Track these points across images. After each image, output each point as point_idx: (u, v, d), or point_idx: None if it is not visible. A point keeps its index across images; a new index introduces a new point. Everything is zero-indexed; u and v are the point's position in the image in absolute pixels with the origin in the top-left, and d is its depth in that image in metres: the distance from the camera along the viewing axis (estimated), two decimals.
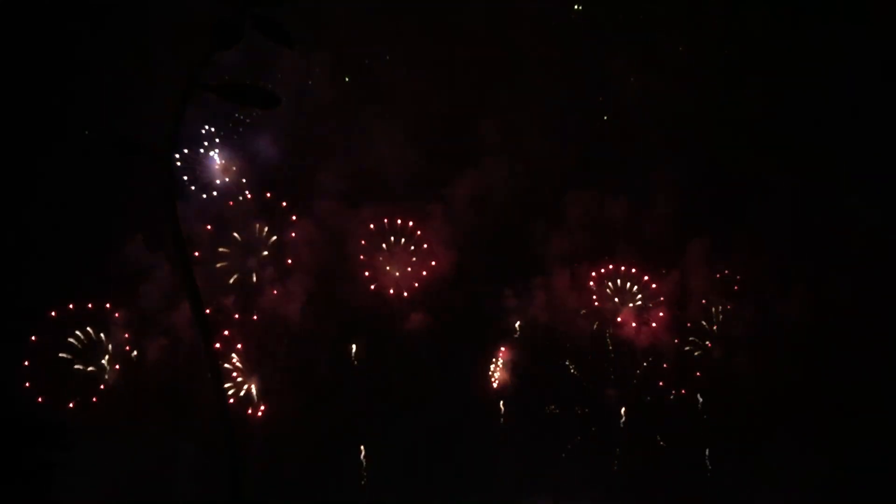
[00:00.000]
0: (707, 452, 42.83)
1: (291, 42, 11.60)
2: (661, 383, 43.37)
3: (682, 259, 44.49)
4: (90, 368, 38.23)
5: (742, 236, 44.13)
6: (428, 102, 42.85)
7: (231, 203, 40.96)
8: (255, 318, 40.16)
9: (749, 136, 43.65)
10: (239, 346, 39.38)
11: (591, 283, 43.84)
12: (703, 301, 43.68)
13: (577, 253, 44.05)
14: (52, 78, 34.93)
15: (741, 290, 43.90)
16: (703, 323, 43.63)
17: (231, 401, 37.66)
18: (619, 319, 43.68)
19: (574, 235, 43.76)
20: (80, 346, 38.26)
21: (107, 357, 38.48)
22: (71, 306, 38.20)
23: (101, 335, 38.93)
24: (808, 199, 43.22)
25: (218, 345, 37.76)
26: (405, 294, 41.99)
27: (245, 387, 39.36)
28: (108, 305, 38.94)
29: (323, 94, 42.12)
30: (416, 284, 42.42)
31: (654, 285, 44.19)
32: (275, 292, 40.61)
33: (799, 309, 42.63)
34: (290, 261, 41.22)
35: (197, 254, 39.24)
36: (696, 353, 43.36)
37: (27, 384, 31.37)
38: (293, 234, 42.00)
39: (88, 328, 38.60)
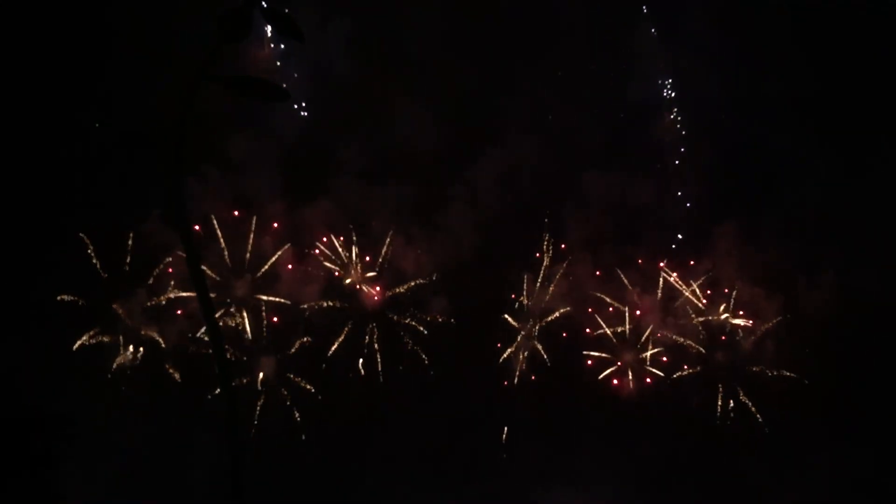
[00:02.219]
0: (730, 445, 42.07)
1: (302, 36, 11.45)
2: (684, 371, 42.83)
3: (710, 246, 43.45)
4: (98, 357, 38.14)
5: (771, 223, 42.89)
6: (451, 78, 41.59)
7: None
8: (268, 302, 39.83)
9: (784, 118, 42.50)
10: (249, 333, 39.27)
11: (616, 270, 43.11)
12: (730, 290, 43.00)
13: (601, 238, 42.89)
14: (63, 71, 34.86)
15: (769, 278, 42.85)
16: (728, 315, 43.09)
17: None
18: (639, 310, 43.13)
19: (598, 219, 42.96)
20: (88, 336, 38.17)
21: (119, 347, 38.37)
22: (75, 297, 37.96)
23: (111, 323, 38.74)
24: (841, 186, 41.93)
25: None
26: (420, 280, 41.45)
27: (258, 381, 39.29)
28: (117, 293, 38.73)
29: (342, 66, 41.06)
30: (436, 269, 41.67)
31: (680, 273, 43.31)
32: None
33: (828, 299, 41.60)
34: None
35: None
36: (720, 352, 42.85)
37: (32, 375, 31.32)
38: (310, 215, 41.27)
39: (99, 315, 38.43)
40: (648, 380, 42.20)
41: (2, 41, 32.89)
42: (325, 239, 40.88)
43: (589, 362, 42.24)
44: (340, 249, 40.99)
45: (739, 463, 41.55)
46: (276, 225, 40.46)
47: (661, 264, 43.11)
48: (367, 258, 41.15)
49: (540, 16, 42.83)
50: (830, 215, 42.34)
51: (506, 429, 41.80)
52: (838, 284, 41.68)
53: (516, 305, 42.29)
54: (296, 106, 41.72)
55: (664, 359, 42.52)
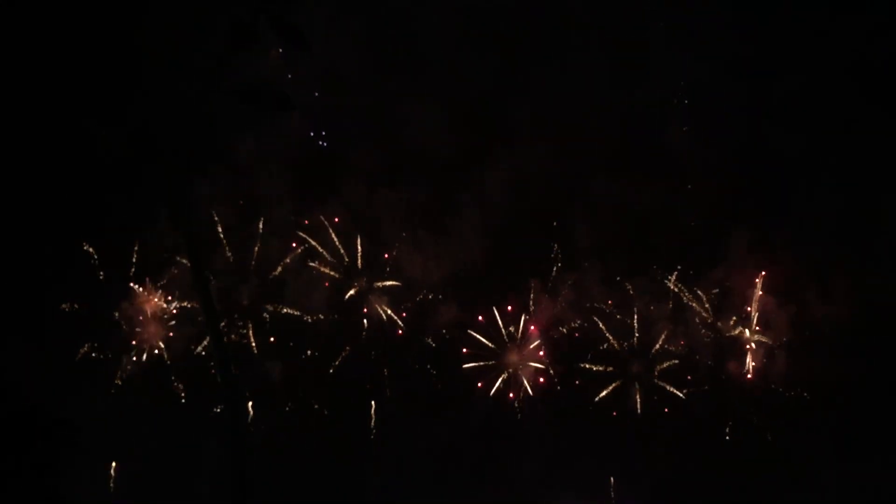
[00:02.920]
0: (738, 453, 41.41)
1: (307, 45, 11.46)
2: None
3: (721, 253, 42.54)
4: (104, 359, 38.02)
5: (783, 229, 41.86)
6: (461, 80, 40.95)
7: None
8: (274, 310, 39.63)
9: (795, 122, 41.74)
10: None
11: (622, 279, 42.50)
12: (741, 301, 42.58)
13: (609, 245, 42.05)
14: (69, 75, 34.89)
15: (782, 287, 41.99)
16: (740, 328, 42.64)
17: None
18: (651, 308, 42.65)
19: (606, 226, 42.36)
20: (91, 345, 38.10)
21: (124, 354, 38.28)
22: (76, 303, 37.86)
23: (117, 326, 38.59)
24: (855, 191, 41.23)
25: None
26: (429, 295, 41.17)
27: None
28: (123, 300, 38.63)
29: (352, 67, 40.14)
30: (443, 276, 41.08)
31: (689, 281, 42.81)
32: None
33: (841, 308, 40.70)
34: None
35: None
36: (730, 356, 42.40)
37: (38, 380, 31.31)
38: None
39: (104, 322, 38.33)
40: (655, 395, 41.86)
41: (9, 46, 33.02)
42: (331, 246, 40.76)
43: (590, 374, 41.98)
44: (346, 259, 40.88)
45: (747, 478, 41.18)
46: (283, 230, 40.35)
47: (672, 277, 42.71)
48: (374, 267, 41.01)
49: (550, 20, 42.63)
50: (847, 223, 41.78)
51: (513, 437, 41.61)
52: (855, 295, 41.01)
53: (523, 318, 42.03)
54: (312, 133, 41.67)
55: (678, 372, 42.17)
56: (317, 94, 40.91)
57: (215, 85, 10.84)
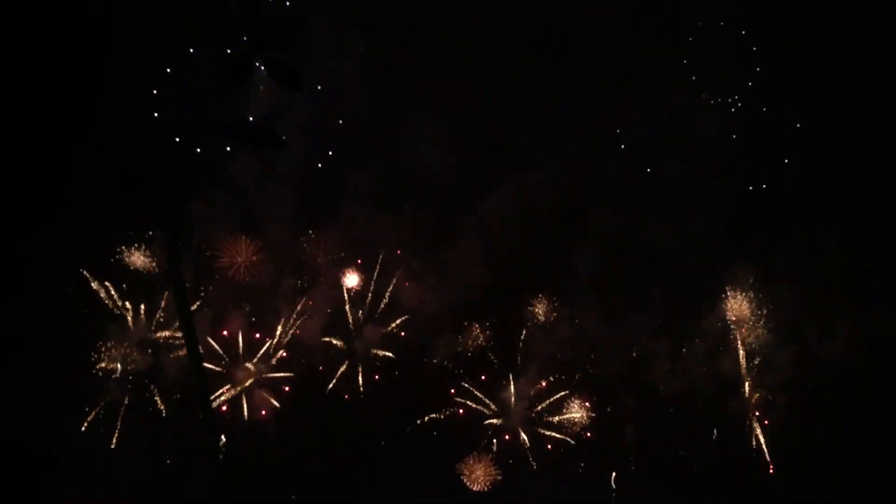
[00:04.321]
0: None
1: (302, 86, 11.27)
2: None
3: (721, 289, 42.12)
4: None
5: (785, 265, 41.37)
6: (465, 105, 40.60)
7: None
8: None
9: (798, 154, 41.82)
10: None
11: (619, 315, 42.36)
12: (742, 338, 42.32)
13: (608, 277, 41.62)
14: (71, 102, 34.89)
15: (782, 326, 41.54)
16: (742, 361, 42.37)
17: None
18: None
19: (605, 258, 42.11)
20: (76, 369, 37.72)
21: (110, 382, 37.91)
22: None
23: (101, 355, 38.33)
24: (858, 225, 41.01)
25: None
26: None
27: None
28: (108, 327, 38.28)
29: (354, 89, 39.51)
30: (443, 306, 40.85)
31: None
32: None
33: (843, 347, 40.14)
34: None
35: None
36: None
37: (18, 411, 30.91)
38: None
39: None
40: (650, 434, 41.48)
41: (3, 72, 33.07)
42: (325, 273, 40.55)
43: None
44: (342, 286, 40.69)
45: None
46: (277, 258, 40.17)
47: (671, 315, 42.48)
48: (370, 295, 40.77)
49: (555, 48, 42.78)
50: (850, 259, 41.58)
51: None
52: (857, 333, 40.67)
53: (519, 353, 41.77)
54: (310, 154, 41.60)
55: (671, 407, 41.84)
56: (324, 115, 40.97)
57: (207, 121, 10.64)
